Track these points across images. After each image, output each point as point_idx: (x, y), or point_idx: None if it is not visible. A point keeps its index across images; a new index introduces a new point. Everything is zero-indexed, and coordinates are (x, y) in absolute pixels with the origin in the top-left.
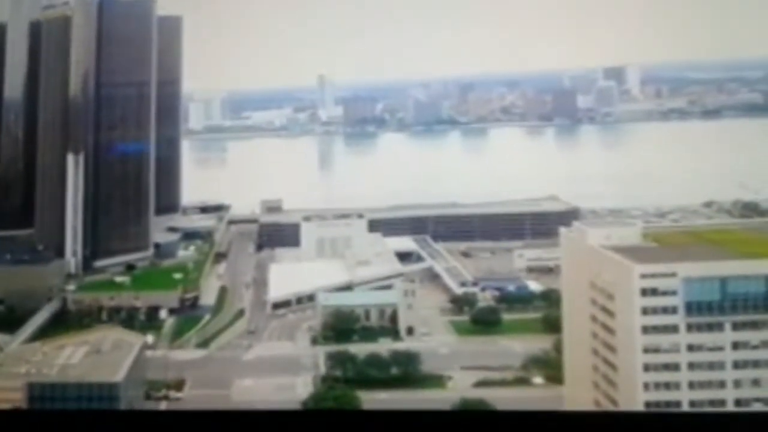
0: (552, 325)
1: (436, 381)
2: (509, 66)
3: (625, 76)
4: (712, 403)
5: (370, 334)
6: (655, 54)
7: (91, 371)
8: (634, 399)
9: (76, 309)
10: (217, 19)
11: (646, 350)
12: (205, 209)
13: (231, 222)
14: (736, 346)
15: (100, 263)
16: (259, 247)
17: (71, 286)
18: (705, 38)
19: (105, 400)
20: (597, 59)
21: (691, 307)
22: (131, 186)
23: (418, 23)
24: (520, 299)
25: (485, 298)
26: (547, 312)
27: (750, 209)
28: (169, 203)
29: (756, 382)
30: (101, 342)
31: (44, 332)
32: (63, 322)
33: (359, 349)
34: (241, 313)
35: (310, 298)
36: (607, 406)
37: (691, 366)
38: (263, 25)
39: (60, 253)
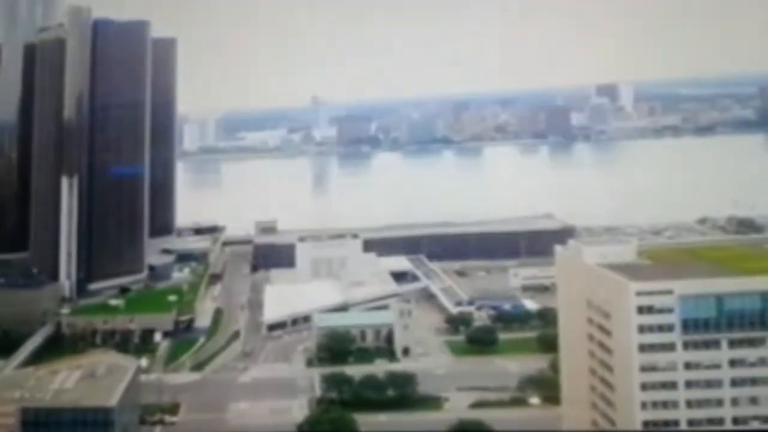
0: (548, 345)
1: (432, 402)
2: (503, 84)
3: (619, 93)
4: (710, 421)
5: (365, 356)
6: (648, 71)
7: (86, 395)
8: (632, 419)
9: (70, 333)
10: (211, 41)
11: (643, 369)
12: (199, 231)
13: (226, 243)
14: (733, 363)
15: (94, 286)
16: (254, 268)
17: (65, 310)
18: (698, 56)
19: (99, 424)
20: (590, 77)
21: (688, 325)
22: (125, 208)
23: (411, 43)
24: (516, 318)
25: (481, 318)
26: (543, 331)
27: (745, 225)
28: (163, 225)
29: (754, 400)
30: (95, 366)
31: (38, 356)
32: (57, 347)
33: (355, 370)
34: (236, 335)
35: (306, 319)
36: (605, 427)
37: (689, 384)
38: (257, 47)
39: (54, 276)
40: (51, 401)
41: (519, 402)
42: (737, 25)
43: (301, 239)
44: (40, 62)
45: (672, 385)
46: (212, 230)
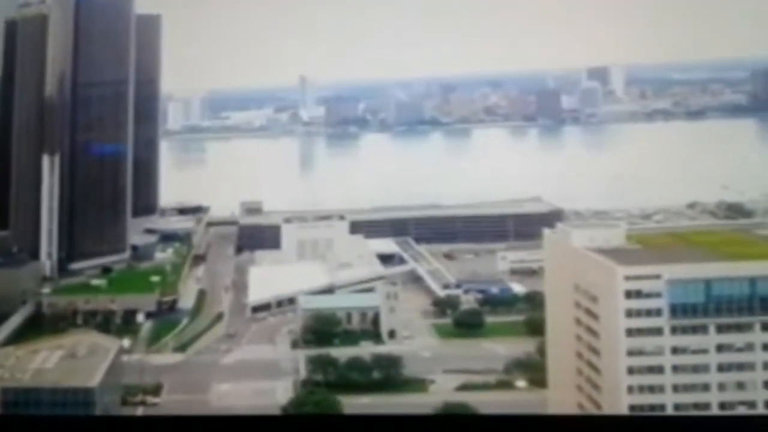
0: (535, 328)
1: (418, 385)
2: (492, 66)
3: (610, 76)
4: (696, 406)
5: (351, 338)
6: (639, 55)
7: (66, 376)
8: (618, 402)
9: (50, 312)
10: (196, 17)
11: (630, 353)
12: (183, 211)
13: (210, 224)
14: (720, 348)
15: (75, 266)
16: (239, 250)
17: (46, 289)
18: (689, 39)
19: (80, 405)
20: (581, 60)
21: (676, 310)
22: (108, 187)
23: (399, 23)
24: (504, 302)
25: (468, 301)
26: (530, 314)
27: (734, 210)
28: (146, 204)
29: (740, 385)
30: (76, 346)
31: (18, 336)
32: (37, 326)
33: (340, 352)
34: (219, 317)
35: (291, 301)
36: (591, 410)
37: (676, 369)
38: (243, 24)
39: (35, 255)
40: (31, 381)
41: (505, 385)
42: (729, 9)
43: (287, 220)
44: (21, 39)
45: (659, 370)
46: (196, 210)
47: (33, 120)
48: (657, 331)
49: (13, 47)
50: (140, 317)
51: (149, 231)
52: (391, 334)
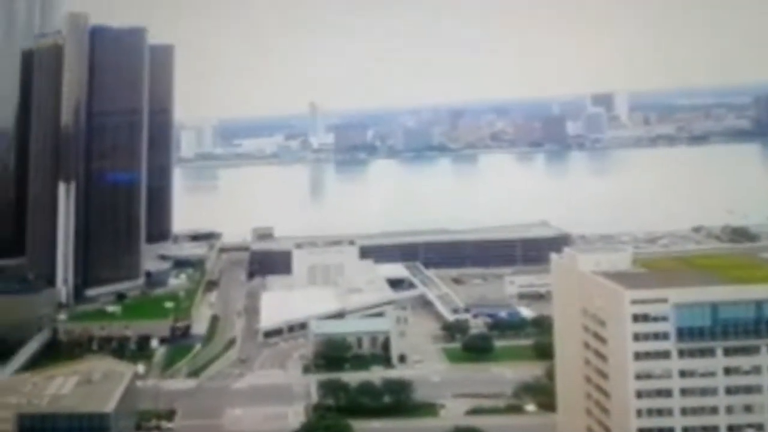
0: (544, 352)
1: (428, 409)
2: (499, 93)
3: (614, 102)
4: (704, 429)
5: (362, 362)
6: (643, 81)
7: (82, 401)
8: (627, 426)
9: (66, 339)
10: (208, 47)
11: (638, 376)
12: (196, 237)
13: (222, 250)
14: (727, 371)
15: (91, 292)
16: (251, 275)
17: (62, 316)
18: (692, 65)
19: (96, 430)
20: (585, 86)
21: (683, 333)
22: (122, 214)
23: (408, 51)
24: (512, 326)
25: (477, 325)
26: (538, 338)
27: (739, 234)
28: (160, 231)
29: (748, 408)
30: (92, 372)
31: (35, 362)
32: (54, 352)
33: (351, 377)
34: (232, 342)
35: (302, 326)
36: None
37: (684, 392)
38: (255, 54)
39: (51, 282)
40: (47, 407)
41: (514, 409)
42: (732, 35)
43: (298, 246)
44: (37, 68)
45: (667, 393)
46: (209, 237)
47: (49, 148)
48: (664, 355)
49: (29, 77)
50: (154, 343)
51: (163, 257)
52: (402, 358)
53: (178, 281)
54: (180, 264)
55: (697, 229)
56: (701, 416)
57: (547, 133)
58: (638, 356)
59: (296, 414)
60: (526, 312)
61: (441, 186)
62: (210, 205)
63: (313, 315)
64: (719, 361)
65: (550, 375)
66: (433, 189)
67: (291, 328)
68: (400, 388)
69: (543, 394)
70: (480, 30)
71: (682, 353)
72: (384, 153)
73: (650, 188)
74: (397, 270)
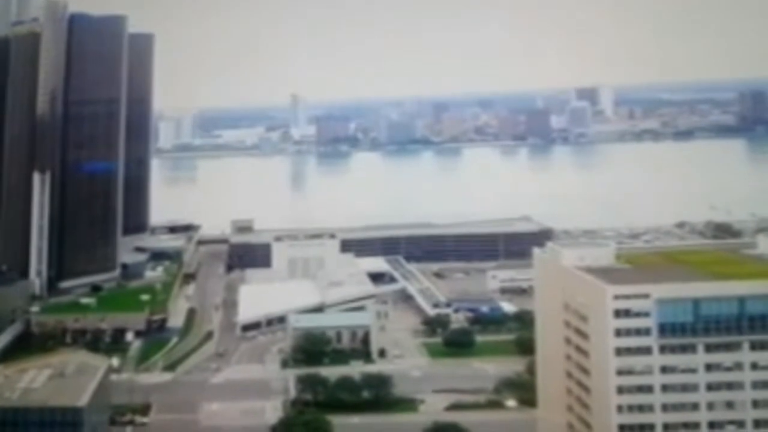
0: (525, 347)
1: (408, 404)
2: (483, 86)
3: (599, 97)
4: (685, 425)
5: (341, 357)
6: (628, 75)
7: (55, 395)
8: (608, 422)
9: (39, 331)
10: (188, 37)
11: (619, 372)
12: (173, 229)
13: (200, 242)
14: (709, 367)
15: (65, 284)
16: (229, 268)
17: (35, 308)
18: (678, 60)
19: (68, 425)
20: (570, 80)
21: (665, 329)
22: (99, 205)
23: (391, 43)
24: (494, 321)
25: (458, 320)
26: (520, 334)
27: (722, 230)
28: (137, 223)
29: (729, 405)
30: (65, 365)
31: (6, 355)
32: (26, 345)
33: (330, 372)
34: (209, 336)
35: (281, 319)
36: (581, 429)
37: (665, 388)
38: (235, 44)
39: (24, 273)
40: (19, 400)
41: (495, 404)
42: (718, 31)
43: (278, 239)
44: (14, 56)
45: (648, 389)
46: (187, 229)
47: (24, 137)
48: (646, 351)
49: (5, 65)
50: (129, 336)
51: (139, 249)
52: (382, 353)
53: (154, 274)
54: (157, 256)
55: (680, 225)
56: (682, 412)
57: (531, 127)
58: (620, 352)
59: (274, 409)
60: (508, 307)
61: (423, 179)
62: (188, 196)
63: (292, 309)
64: (701, 358)
65: (532, 370)
66: (415, 182)
67: (269, 322)
68: (380, 383)
69: (524, 390)
70: (465, 21)
71: (663, 349)
72: (366, 145)
73: (634, 183)
74: (378, 264)
